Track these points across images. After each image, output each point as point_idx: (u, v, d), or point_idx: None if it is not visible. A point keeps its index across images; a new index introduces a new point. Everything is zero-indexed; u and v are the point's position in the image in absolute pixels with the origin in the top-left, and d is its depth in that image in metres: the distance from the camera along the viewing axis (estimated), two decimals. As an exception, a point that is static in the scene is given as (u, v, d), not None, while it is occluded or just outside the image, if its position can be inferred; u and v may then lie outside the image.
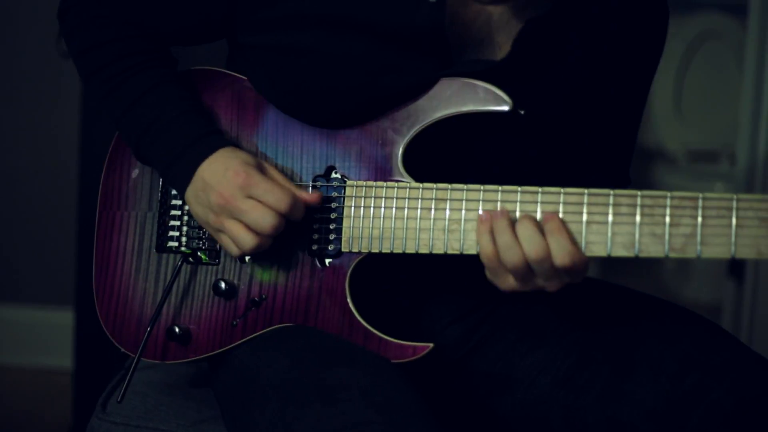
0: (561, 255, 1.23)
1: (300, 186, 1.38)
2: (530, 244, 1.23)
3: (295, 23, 1.35)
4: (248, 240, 1.33)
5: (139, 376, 1.57)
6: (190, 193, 1.37)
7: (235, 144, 1.40)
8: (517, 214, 1.26)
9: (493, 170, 1.33)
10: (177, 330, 1.42)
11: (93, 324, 2.44)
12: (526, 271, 1.25)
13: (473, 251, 1.29)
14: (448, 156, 1.37)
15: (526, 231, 1.24)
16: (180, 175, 1.38)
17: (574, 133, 1.42)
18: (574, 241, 1.24)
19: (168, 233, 1.45)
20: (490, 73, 1.33)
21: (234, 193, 1.32)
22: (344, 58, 1.34)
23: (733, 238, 1.20)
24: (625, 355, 1.36)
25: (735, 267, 2.87)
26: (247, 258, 1.41)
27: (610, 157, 1.48)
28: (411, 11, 1.32)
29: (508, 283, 1.28)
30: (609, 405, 1.34)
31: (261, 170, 1.35)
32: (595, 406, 1.35)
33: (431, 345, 1.32)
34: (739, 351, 1.33)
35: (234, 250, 1.36)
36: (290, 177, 1.39)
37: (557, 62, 1.37)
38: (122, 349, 1.46)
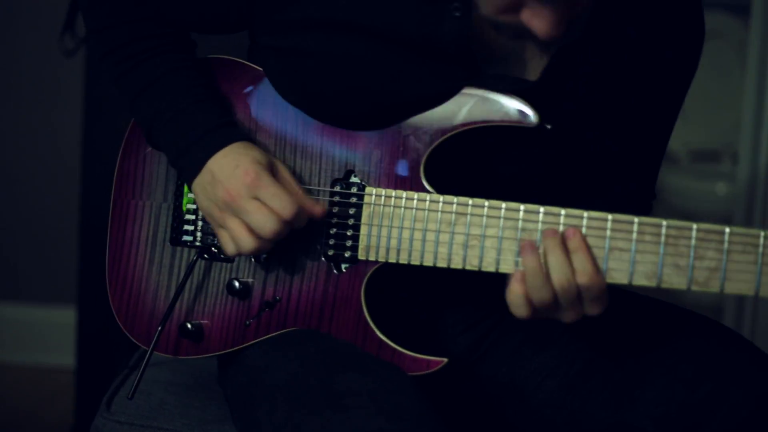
0: (582, 275, 1.22)
1: (314, 191, 1.36)
2: (559, 272, 1.22)
3: (319, 27, 1.32)
4: (248, 241, 1.31)
5: (145, 375, 1.57)
6: (197, 184, 1.35)
7: (250, 138, 1.38)
8: (538, 234, 1.25)
9: (515, 183, 1.32)
10: (189, 326, 1.41)
11: (95, 322, 2.47)
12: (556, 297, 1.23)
13: (492, 269, 1.28)
14: (470, 167, 1.35)
15: (555, 257, 1.23)
16: (189, 166, 1.36)
17: (600, 149, 1.40)
18: (595, 263, 1.23)
19: (183, 226, 1.43)
20: (517, 93, 1.31)
21: (240, 192, 1.30)
22: (366, 63, 1.32)
23: (758, 276, 1.19)
24: (637, 361, 1.35)
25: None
26: (253, 257, 1.39)
27: (636, 173, 1.46)
28: (435, 23, 1.29)
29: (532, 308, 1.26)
30: (618, 410, 1.33)
31: (272, 171, 1.33)
32: (603, 410, 1.34)
33: (445, 360, 1.31)
34: (755, 356, 1.32)
35: (230, 249, 1.34)
36: (308, 178, 1.37)
37: (588, 85, 1.35)
38: (134, 340, 1.45)
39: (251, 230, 1.31)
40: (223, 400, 1.50)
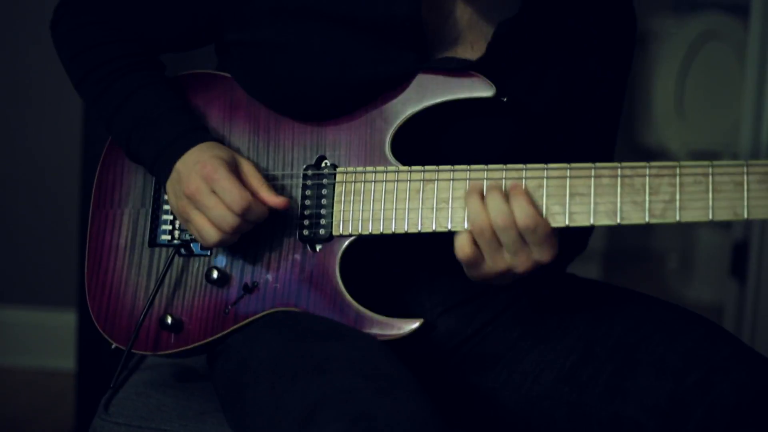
0: (522, 218, 1.27)
1: (287, 176, 1.42)
2: (497, 212, 1.28)
3: (276, 17, 1.39)
4: (212, 234, 1.37)
5: (141, 376, 1.57)
6: (168, 184, 1.41)
7: (222, 141, 1.44)
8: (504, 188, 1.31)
9: (479, 157, 1.35)
10: (169, 320, 1.44)
11: (96, 325, 2.46)
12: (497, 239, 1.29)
13: (461, 227, 1.32)
14: (435, 143, 1.41)
15: (493, 200, 1.28)
16: (162, 169, 1.42)
17: (555, 126, 1.46)
18: (535, 206, 1.29)
19: (161, 227, 1.48)
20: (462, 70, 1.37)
21: (199, 186, 1.36)
22: (325, 50, 1.38)
23: (710, 202, 1.25)
24: (629, 353, 1.37)
25: (737, 267, 2.87)
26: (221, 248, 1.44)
27: (590, 154, 1.49)
28: (387, 3, 1.36)
29: (487, 266, 1.31)
30: (612, 401, 1.36)
31: (234, 167, 1.38)
32: (599, 402, 1.37)
33: (421, 321, 1.35)
34: (741, 349, 1.35)
35: (202, 241, 1.39)
36: (282, 168, 1.43)
37: (530, 62, 1.41)
38: (114, 344, 1.47)
39: (213, 224, 1.36)
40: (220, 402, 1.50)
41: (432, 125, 1.40)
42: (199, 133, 1.42)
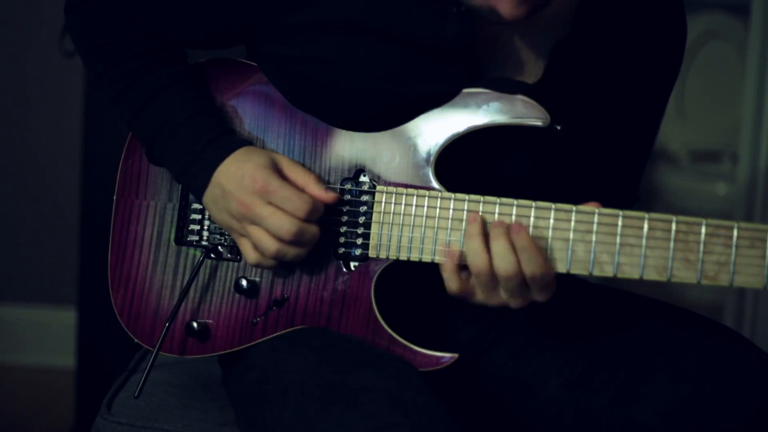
0: (531, 268, 1.24)
1: (323, 184, 1.36)
2: (502, 260, 1.25)
3: (319, 31, 1.33)
4: (270, 244, 1.31)
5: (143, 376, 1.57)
6: (208, 198, 1.36)
7: (256, 140, 1.39)
8: (549, 232, 1.27)
9: (520, 184, 1.32)
10: (196, 326, 1.40)
11: (96, 323, 2.47)
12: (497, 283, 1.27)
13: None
14: (479, 167, 1.36)
15: (499, 246, 1.25)
16: (195, 181, 1.36)
17: (604, 149, 1.42)
18: (541, 252, 1.26)
19: (189, 226, 1.42)
20: (512, 92, 1.32)
21: (253, 200, 1.31)
22: (370, 63, 1.33)
23: (766, 269, 1.23)
24: (643, 359, 1.36)
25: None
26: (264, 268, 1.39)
27: (625, 174, 1.48)
28: (439, 21, 1.31)
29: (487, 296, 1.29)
30: (624, 406, 1.34)
31: (278, 171, 1.33)
32: (609, 407, 1.35)
33: (456, 356, 1.32)
34: (760, 356, 1.33)
35: (252, 257, 1.34)
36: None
37: (584, 84, 1.37)
38: (136, 340, 1.44)
39: (272, 234, 1.31)
40: (224, 402, 1.50)
41: (478, 146, 1.36)
42: (227, 138, 1.36)
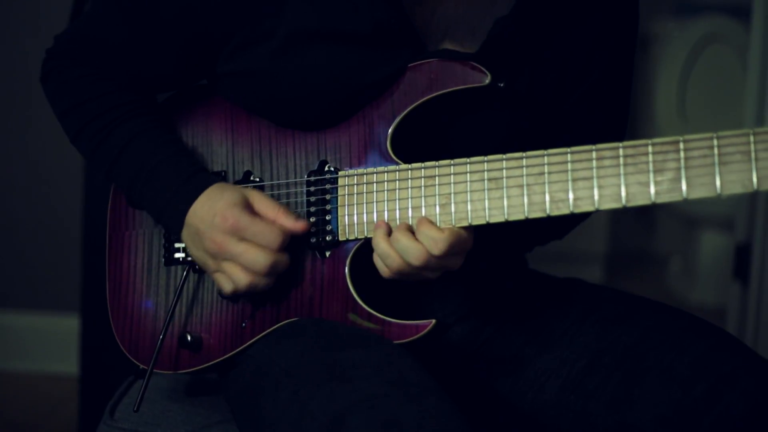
0: (434, 245, 1.29)
1: (290, 184, 1.42)
2: (408, 253, 1.30)
3: (270, 45, 1.37)
4: (243, 278, 1.36)
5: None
6: (185, 237, 1.41)
7: (226, 153, 1.45)
8: (504, 181, 1.29)
9: (481, 147, 1.34)
10: (189, 337, 1.44)
11: (99, 330, 2.46)
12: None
13: (465, 223, 1.31)
14: (436, 137, 1.40)
15: (399, 242, 1.30)
16: (172, 223, 1.42)
17: (555, 115, 1.45)
18: (440, 231, 1.29)
19: (174, 245, 1.48)
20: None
21: (225, 239, 1.36)
22: (321, 67, 1.37)
23: (717, 176, 1.20)
24: (637, 362, 1.36)
25: (740, 270, 2.87)
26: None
27: (600, 132, 1.49)
28: (368, 9, 1.35)
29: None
30: (619, 410, 1.35)
31: (248, 207, 1.37)
32: (605, 411, 1.36)
33: (433, 321, 1.34)
34: (750, 359, 1.34)
35: (228, 288, 1.38)
36: (285, 175, 1.43)
37: (526, 56, 1.40)
38: (140, 366, 1.48)
39: (245, 268, 1.36)
40: (225, 408, 1.50)
41: (431, 119, 1.39)
42: (198, 178, 1.41)
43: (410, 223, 1.33)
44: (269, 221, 1.37)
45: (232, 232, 1.35)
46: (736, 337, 1.41)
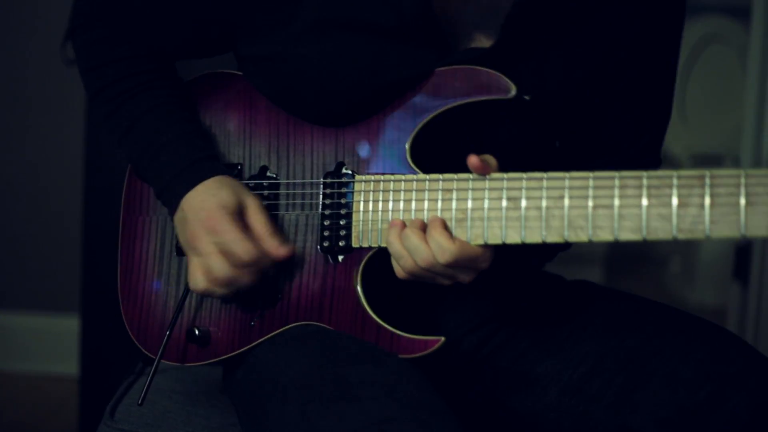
0: (440, 253, 1.26)
1: (306, 185, 1.40)
2: (417, 253, 1.27)
3: (291, 30, 1.35)
4: (200, 280, 1.36)
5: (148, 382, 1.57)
6: (176, 219, 1.41)
7: (243, 145, 1.43)
8: (523, 202, 1.26)
9: (502, 158, 1.31)
10: (197, 332, 1.43)
11: (99, 331, 2.46)
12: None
13: (480, 241, 1.28)
14: (456, 146, 1.36)
15: (411, 239, 1.28)
16: (168, 203, 1.41)
17: (589, 117, 1.41)
18: (451, 238, 1.27)
19: None
20: (483, 61, 1.32)
21: (201, 235, 1.35)
22: (343, 58, 1.35)
23: (742, 216, 1.16)
24: (640, 365, 1.35)
25: (740, 270, 2.87)
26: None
27: (634, 139, 1.46)
28: (396, 3, 1.32)
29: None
30: (620, 413, 1.34)
31: (239, 214, 1.36)
32: (606, 414, 1.35)
33: (443, 339, 1.32)
34: (756, 361, 1.33)
35: (190, 282, 1.38)
36: (302, 174, 1.41)
37: (555, 44, 1.36)
38: (147, 353, 1.47)
39: (206, 271, 1.36)
40: (226, 408, 1.50)
41: (452, 127, 1.36)
42: (203, 165, 1.40)
43: (425, 220, 1.31)
44: (252, 237, 1.35)
45: (209, 232, 1.35)
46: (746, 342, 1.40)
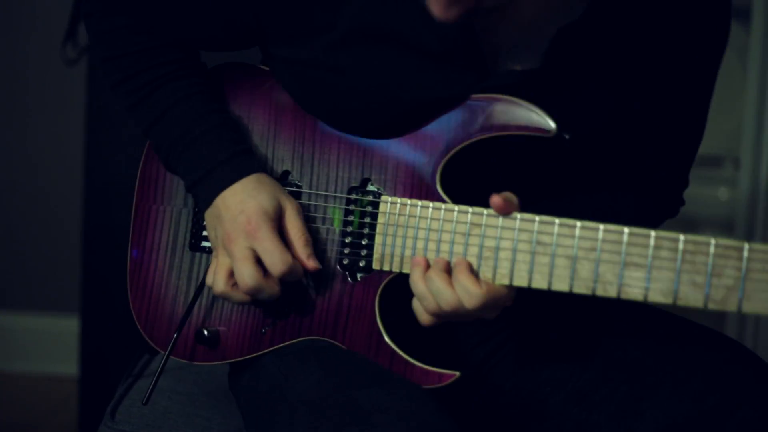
0: (467, 299, 1.24)
1: (329, 198, 1.36)
2: (441, 298, 1.25)
3: (326, 38, 1.31)
4: (221, 282, 1.34)
5: (147, 383, 1.57)
6: (208, 215, 1.37)
7: (266, 145, 1.39)
8: (553, 248, 1.23)
9: (532, 191, 1.29)
10: (206, 333, 1.40)
11: (99, 331, 2.46)
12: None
13: (506, 281, 1.25)
14: (484, 173, 1.34)
15: (434, 283, 1.25)
16: (202, 197, 1.37)
17: (621, 153, 1.38)
18: (478, 283, 1.24)
19: (202, 232, 1.44)
20: (521, 86, 1.28)
21: (237, 238, 1.32)
22: (380, 72, 1.31)
23: None
24: (647, 374, 1.34)
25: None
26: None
27: (660, 179, 1.46)
28: (436, 22, 1.27)
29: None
30: (624, 421, 1.32)
31: (277, 219, 1.33)
32: (611, 422, 1.33)
33: (457, 374, 1.30)
34: (764, 370, 1.31)
35: (209, 279, 1.36)
36: (325, 185, 1.37)
37: (596, 74, 1.32)
38: (153, 345, 1.45)
39: (232, 276, 1.33)
40: (227, 409, 1.50)
41: (485, 156, 1.32)
42: (240, 160, 1.36)
43: (451, 251, 1.28)
44: (287, 246, 1.33)
45: (246, 236, 1.32)
46: (738, 340, 1.39)
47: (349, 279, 1.36)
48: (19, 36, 3.03)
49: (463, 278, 1.24)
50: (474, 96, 1.29)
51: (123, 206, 2.34)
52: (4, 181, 3.11)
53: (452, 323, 1.33)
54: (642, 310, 1.45)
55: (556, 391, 1.39)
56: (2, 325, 3.14)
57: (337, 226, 1.36)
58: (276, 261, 1.31)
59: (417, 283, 1.27)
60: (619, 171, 1.42)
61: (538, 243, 1.24)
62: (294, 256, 1.33)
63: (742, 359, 1.34)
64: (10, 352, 3.13)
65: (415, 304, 1.29)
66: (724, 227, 3.88)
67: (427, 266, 1.27)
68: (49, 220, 3.10)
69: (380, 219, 1.33)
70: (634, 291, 1.19)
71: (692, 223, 4.08)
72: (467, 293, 1.23)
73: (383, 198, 1.33)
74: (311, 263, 1.33)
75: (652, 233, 1.19)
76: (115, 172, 2.38)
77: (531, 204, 1.26)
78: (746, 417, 1.26)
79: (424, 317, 1.28)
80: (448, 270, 1.26)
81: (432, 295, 1.25)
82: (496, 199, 1.24)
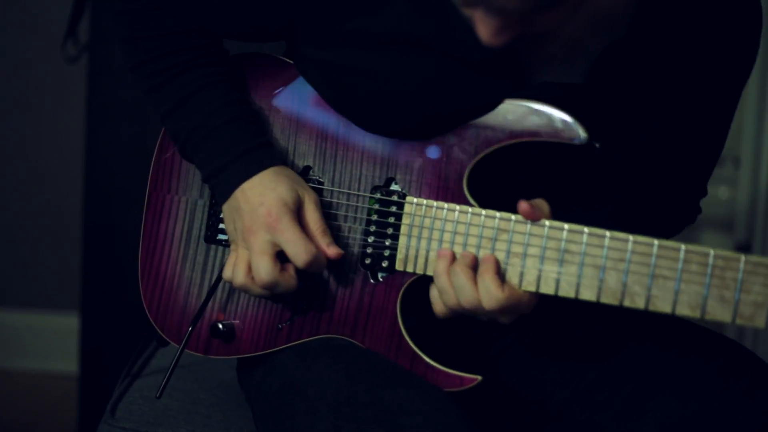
0: (487, 300, 1.23)
1: (352, 196, 1.35)
2: (462, 294, 1.24)
3: (362, 41, 1.30)
4: (240, 275, 1.32)
5: (148, 381, 1.57)
6: (226, 206, 1.36)
7: (287, 141, 1.38)
8: (582, 257, 1.22)
9: (559, 197, 1.28)
10: (221, 327, 1.39)
11: (99, 329, 2.47)
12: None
13: (532, 288, 1.24)
14: (511, 178, 1.33)
15: (458, 278, 1.24)
16: (220, 189, 1.36)
17: (646, 163, 1.38)
18: (501, 286, 1.23)
19: (218, 225, 1.42)
20: (562, 100, 1.27)
21: (258, 231, 1.31)
22: (413, 78, 1.29)
23: None
24: (651, 375, 1.34)
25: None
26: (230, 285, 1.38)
27: (682, 188, 1.46)
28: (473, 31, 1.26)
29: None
30: (628, 422, 1.32)
31: (297, 211, 1.32)
32: (614, 422, 1.33)
33: (479, 378, 1.29)
34: (766, 373, 1.31)
35: (227, 273, 1.35)
36: (348, 183, 1.36)
37: (636, 90, 1.32)
38: (164, 337, 1.44)
39: (251, 269, 1.32)
40: (227, 407, 1.50)
41: (511, 158, 1.31)
42: (260, 153, 1.35)
43: (477, 255, 1.26)
44: (308, 233, 1.31)
45: (267, 229, 1.30)
46: (738, 341, 1.39)
47: (371, 279, 1.35)
48: (19, 34, 3.03)
49: (488, 278, 1.23)
50: (506, 100, 1.28)
51: (123, 204, 2.36)
52: (4, 180, 3.11)
53: (462, 320, 1.32)
54: (646, 312, 1.45)
55: (560, 391, 1.38)
56: (2, 323, 3.14)
57: (373, 216, 1.34)
58: (300, 251, 1.30)
59: (440, 275, 1.26)
60: (642, 180, 1.41)
61: (567, 251, 1.23)
62: (317, 244, 1.31)
63: (744, 360, 1.34)
64: (10, 350, 3.13)
65: (433, 294, 1.28)
66: (724, 227, 3.88)
67: (453, 260, 1.26)
68: (49, 218, 3.10)
69: (405, 220, 1.32)
70: (662, 303, 1.19)
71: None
72: (489, 294, 1.23)
73: (408, 198, 1.32)
74: (332, 250, 1.32)
75: (683, 246, 1.18)
76: (115, 171, 2.38)
77: (553, 209, 1.26)
78: (749, 419, 1.26)
79: (440, 308, 1.28)
80: (474, 266, 1.25)
81: (454, 289, 1.25)
82: (523, 205, 1.23)
